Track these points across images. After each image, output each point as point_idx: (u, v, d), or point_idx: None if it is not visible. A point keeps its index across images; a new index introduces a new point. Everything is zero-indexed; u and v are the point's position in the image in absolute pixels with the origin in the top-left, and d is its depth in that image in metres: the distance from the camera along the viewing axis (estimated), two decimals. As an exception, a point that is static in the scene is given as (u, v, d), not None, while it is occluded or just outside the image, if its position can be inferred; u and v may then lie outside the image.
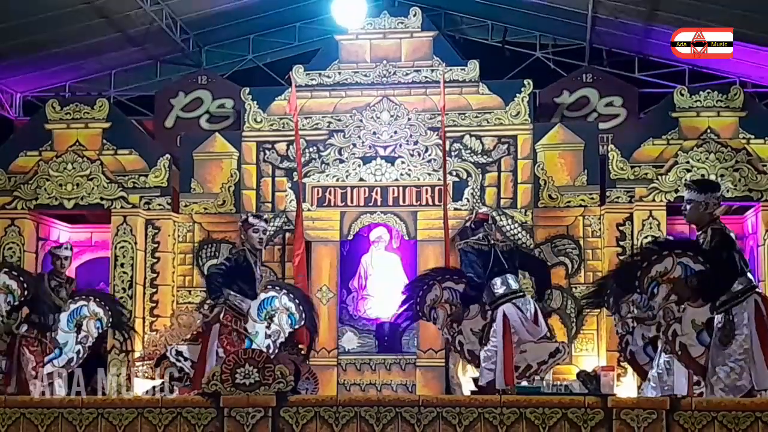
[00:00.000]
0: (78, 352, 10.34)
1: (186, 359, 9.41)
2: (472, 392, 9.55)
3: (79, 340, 10.41)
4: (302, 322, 9.95)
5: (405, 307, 9.83)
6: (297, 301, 9.85)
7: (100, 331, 10.64)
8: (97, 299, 10.55)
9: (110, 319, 10.55)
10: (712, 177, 12.47)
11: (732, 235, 7.50)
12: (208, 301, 10.30)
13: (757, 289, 7.37)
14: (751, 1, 12.47)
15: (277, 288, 9.81)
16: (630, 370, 11.99)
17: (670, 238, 8.02)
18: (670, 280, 7.36)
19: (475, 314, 9.72)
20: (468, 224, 10.45)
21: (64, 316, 10.35)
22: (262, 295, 9.58)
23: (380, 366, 12.83)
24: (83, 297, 10.49)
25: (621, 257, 12.37)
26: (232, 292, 9.30)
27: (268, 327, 9.68)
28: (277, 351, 9.66)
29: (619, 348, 10.14)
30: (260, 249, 9.74)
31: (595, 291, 8.96)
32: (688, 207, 7.52)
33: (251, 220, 9.64)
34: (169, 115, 15.02)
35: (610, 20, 14.31)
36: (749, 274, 7.45)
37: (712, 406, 6.64)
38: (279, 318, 9.68)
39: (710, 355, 7.27)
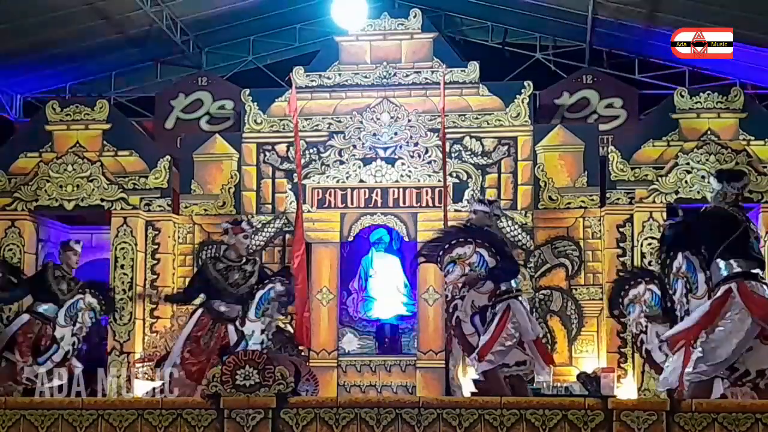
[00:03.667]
0: (73, 344, 10.58)
1: None
2: (473, 393, 9.54)
3: (73, 332, 10.66)
4: (292, 299, 10.26)
5: (430, 246, 9.50)
6: (288, 281, 10.08)
7: (94, 320, 10.91)
8: (92, 290, 10.91)
9: (102, 308, 10.89)
10: (712, 179, 12.47)
11: (738, 218, 7.40)
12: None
13: (738, 279, 7.26)
14: (751, 1, 12.48)
15: (267, 281, 10.04)
16: (630, 371, 12.04)
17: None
18: (684, 275, 7.51)
19: (485, 290, 9.38)
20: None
21: (61, 312, 10.59)
22: (259, 293, 9.80)
23: (380, 367, 12.83)
24: (79, 290, 10.81)
25: (621, 258, 12.43)
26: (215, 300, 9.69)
27: (263, 323, 9.90)
28: (270, 342, 9.81)
29: (635, 347, 10.22)
30: (244, 255, 9.98)
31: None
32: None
33: (245, 225, 9.84)
34: (170, 117, 15.04)
35: (610, 22, 14.33)
36: (734, 261, 7.33)
37: (712, 407, 6.64)
38: (272, 309, 9.93)
39: None
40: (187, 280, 13.11)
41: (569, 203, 12.91)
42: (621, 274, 10.65)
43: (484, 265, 8.81)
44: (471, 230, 8.95)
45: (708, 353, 7.12)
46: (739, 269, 7.23)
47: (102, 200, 13.19)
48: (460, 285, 9.00)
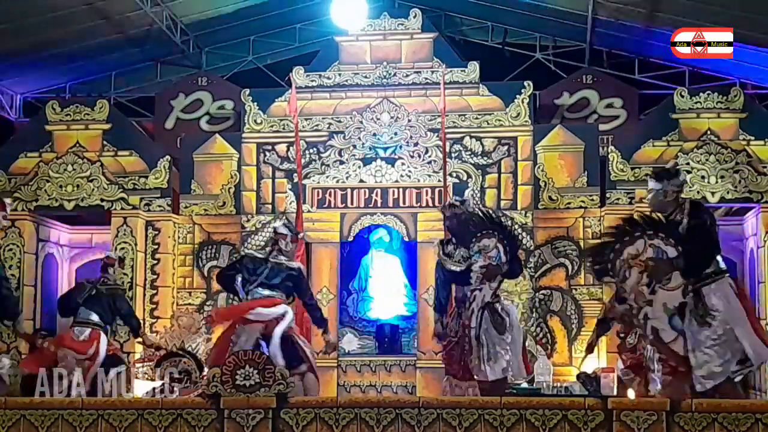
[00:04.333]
0: None
1: None
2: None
3: None
4: None
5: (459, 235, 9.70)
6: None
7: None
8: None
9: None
10: (713, 179, 12.50)
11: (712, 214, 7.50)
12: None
13: (727, 274, 7.32)
14: (751, 1, 12.48)
15: None
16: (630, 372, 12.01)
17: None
18: (641, 262, 7.35)
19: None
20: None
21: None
22: None
23: (380, 367, 12.84)
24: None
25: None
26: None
27: None
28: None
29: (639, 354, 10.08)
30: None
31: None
32: (649, 196, 7.63)
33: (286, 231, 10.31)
34: (170, 117, 15.04)
35: (610, 22, 14.33)
36: (719, 258, 7.39)
37: (712, 407, 6.64)
38: None
39: (688, 341, 7.24)
40: (187, 280, 13.25)
41: (569, 203, 12.91)
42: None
43: (499, 260, 9.09)
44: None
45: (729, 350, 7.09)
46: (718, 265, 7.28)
47: (102, 200, 13.19)
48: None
